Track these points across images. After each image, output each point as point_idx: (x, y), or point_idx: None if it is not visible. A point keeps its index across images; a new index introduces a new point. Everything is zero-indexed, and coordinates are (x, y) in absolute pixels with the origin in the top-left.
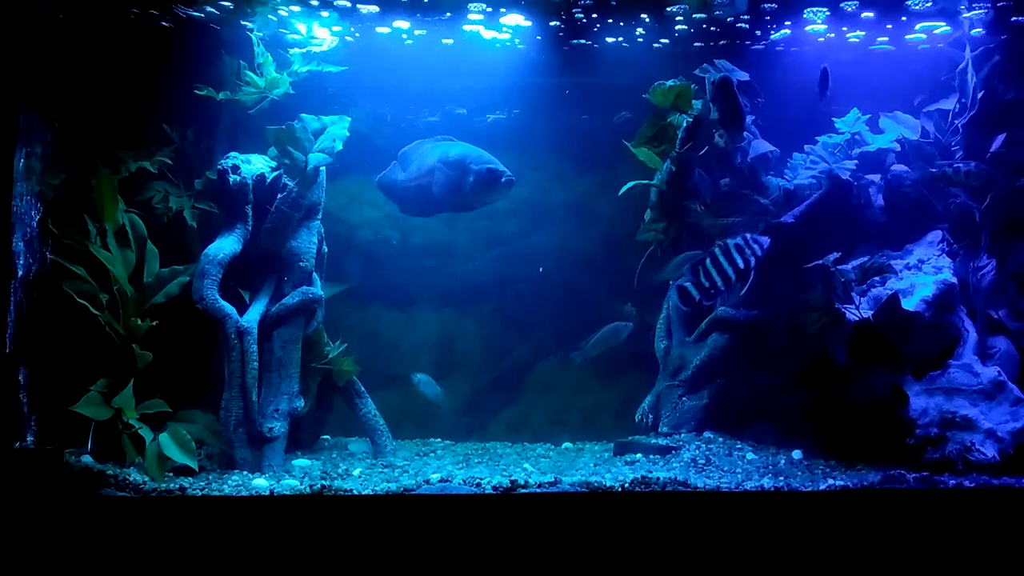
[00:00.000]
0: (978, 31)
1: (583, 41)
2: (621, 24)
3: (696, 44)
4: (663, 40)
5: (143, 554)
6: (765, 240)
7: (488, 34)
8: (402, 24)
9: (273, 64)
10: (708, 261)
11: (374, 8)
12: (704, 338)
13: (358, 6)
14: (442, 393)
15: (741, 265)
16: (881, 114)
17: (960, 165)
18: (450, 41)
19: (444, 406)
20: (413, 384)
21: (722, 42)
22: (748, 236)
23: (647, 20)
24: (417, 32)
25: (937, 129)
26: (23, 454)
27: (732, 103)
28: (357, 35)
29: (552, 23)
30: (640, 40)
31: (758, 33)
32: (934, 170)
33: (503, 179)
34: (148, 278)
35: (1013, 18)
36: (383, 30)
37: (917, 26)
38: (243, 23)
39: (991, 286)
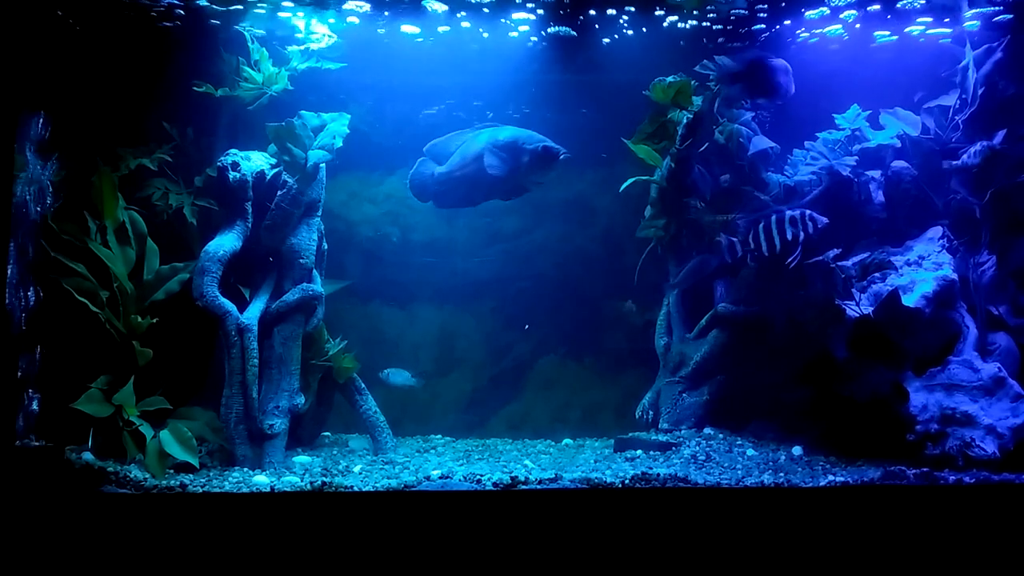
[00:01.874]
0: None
1: (572, 28)
2: (623, 19)
3: (699, 39)
4: (660, 24)
5: (144, 551)
6: (822, 220)
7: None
8: (413, 29)
9: (269, 59)
10: (762, 224)
11: (365, 6)
12: (704, 334)
13: (349, 4)
14: (410, 375)
15: (789, 237)
16: (881, 110)
17: (966, 158)
18: (476, 42)
19: (419, 386)
20: (383, 382)
21: (723, 37)
22: (807, 212)
23: (648, 16)
24: (436, 33)
25: (937, 125)
26: (24, 451)
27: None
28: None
29: (553, 18)
30: (641, 35)
31: (762, 27)
32: (956, 163)
33: (561, 156)
34: (148, 275)
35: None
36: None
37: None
38: (238, 22)
39: (991, 282)
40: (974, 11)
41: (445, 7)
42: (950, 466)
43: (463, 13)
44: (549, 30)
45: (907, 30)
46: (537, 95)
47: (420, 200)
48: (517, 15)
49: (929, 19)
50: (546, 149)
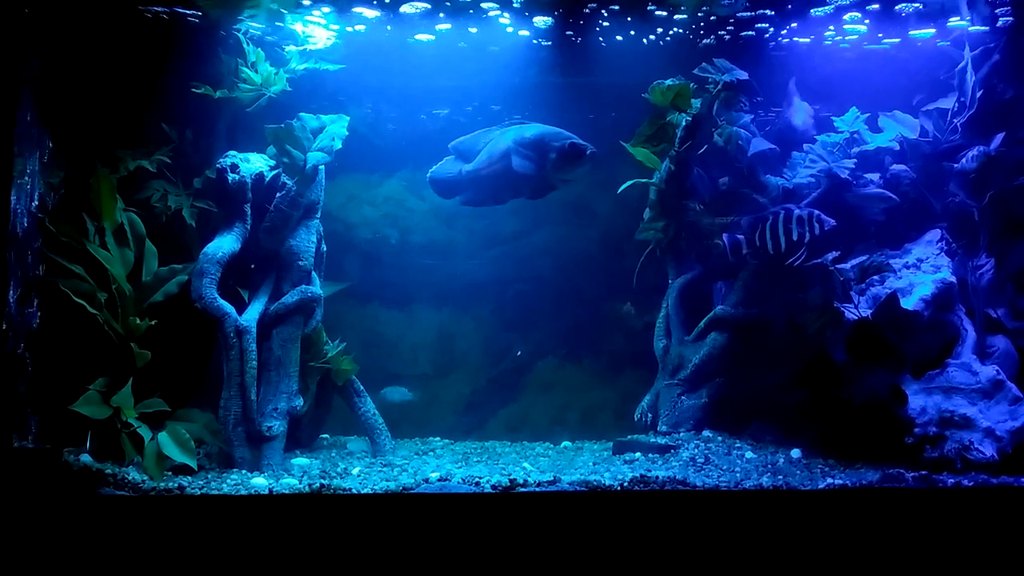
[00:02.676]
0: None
1: (571, 30)
2: (622, 21)
3: (700, 41)
4: (661, 26)
5: (142, 553)
6: (830, 221)
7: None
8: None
9: (267, 61)
10: (769, 222)
11: (375, 13)
12: (703, 337)
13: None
14: (407, 391)
15: (795, 238)
16: (880, 113)
17: (965, 162)
18: (472, 43)
19: (415, 399)
20: (381, 398)
21: (725, 36)
22: (816, 212)
23: (649, 17)
24: (427, 37)
25: (936, 128)
26: (22, 453)
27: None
28: (354, 29)
29: (552, 20)
30: (642, 37)
31: (762, 26)
32: (956, 167)
33: (588, 152)
34: (147, 277)
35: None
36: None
37: None
38: (235, 23)
39: (990, 285)
40: (1002, 9)
41: (427, 6)
42: (948, 469)
43: (441, 15)
44: (534, 20)
45: (950, 24)
46: (535, 97)
47: (444, 198)
48: (510, 19)
49: (957, 18)
50: (573, 146)
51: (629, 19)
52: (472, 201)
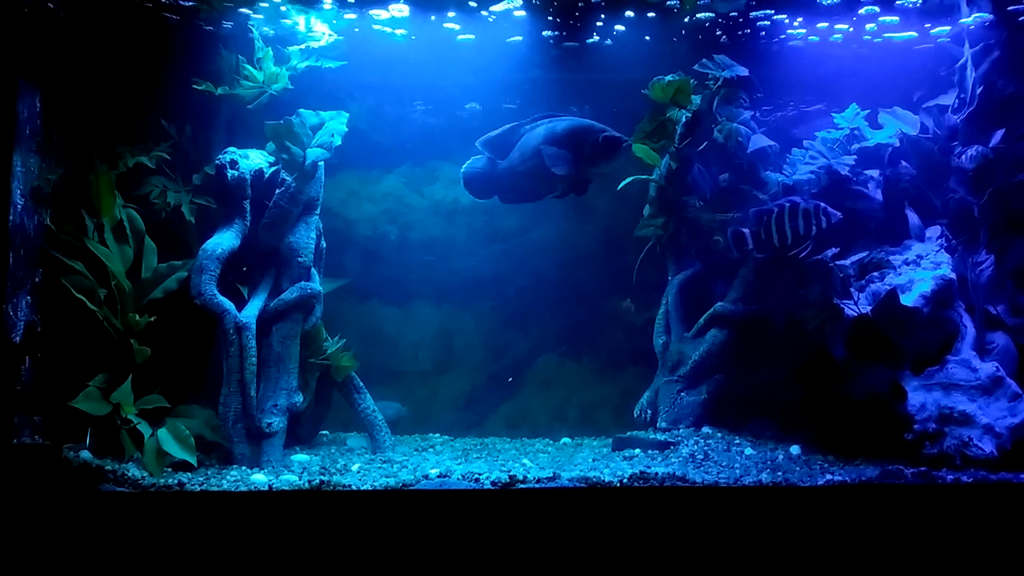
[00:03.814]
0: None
1: (571, 27)
2: (623, 18)
3: (698, 38)
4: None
5: (142, 549)
6: (836, 214)
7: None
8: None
9: (272, 58)
10: (775, 215)
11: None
12: (703, 333)
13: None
14: (400, 406)
15: (802, 232)
16: (880, 110)
17: (964, 160)
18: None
19: (408, 414)
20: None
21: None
22: (822, 205)
23: (648, 15)
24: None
25: (936, 125)
26: (22, 450)
27: None
28: (356, 29)
29: (552, 17)
30: (641, 35)
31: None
32: (956, 162)
33: (624, 144)
34: (146, 273)
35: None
36: (380, 18)
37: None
38: (243, 17)
39: (989, 282)
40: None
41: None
42: (948, 465)
43: (433, 17)
44: (514, 13)
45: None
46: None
47: (479, 198)
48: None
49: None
50: (607, 139)
51: (625, 14)
52: (509, 199)
